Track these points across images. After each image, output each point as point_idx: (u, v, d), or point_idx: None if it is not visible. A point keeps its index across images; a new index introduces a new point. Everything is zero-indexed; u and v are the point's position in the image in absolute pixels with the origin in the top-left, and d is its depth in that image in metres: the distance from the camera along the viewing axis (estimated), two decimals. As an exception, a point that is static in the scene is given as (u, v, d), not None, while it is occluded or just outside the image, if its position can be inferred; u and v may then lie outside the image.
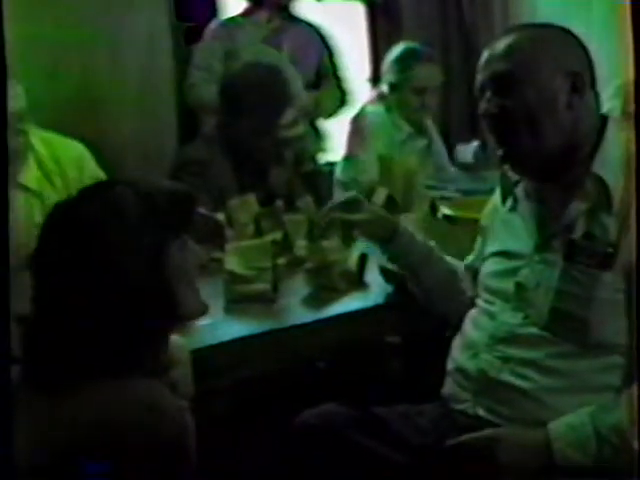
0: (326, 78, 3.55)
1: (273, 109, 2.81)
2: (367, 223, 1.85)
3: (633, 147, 1.53)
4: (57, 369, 1.27)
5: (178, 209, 1.34)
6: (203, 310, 1.42)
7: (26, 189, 2.36)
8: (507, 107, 1.54)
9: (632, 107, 1.20)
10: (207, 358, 1.70)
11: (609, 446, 1.44)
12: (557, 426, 1.48)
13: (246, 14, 3.44)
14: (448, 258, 1.90)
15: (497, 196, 1.75)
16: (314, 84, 3.52)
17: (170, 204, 1.32)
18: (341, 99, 3.55)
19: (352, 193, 1.93)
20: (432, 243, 1.91)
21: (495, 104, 1.55)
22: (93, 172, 2.54)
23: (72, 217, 1.30)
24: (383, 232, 1.85)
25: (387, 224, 1.86)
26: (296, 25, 3.49)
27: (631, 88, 1.09)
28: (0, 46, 0.97)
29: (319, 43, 3.53)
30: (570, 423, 1.48)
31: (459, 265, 1.90)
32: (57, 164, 2.50)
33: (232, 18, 3.47)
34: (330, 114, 3.59)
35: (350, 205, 1.86)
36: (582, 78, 1.54)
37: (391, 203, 2.71)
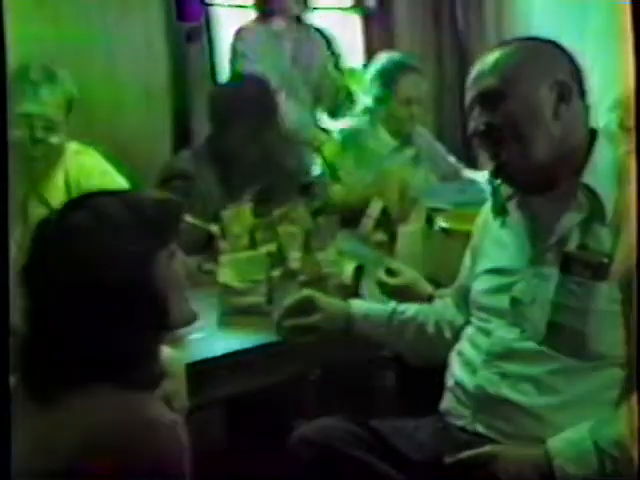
0: (330, 81, 3.60)
1: (260, 119, 2.81)
2: (321, 324, 1.85)
3: (630, 159, 1.53)
4: (49, 379, 1.26)
5: (165, 218, 1.34)
6: (193, 318, 1.42)
7: (48, 205, 2.28)
8: (494, 123, 1.54)
9: (631, 119, 1.19)
10: (202, 371, 1.69)
11: (610, 460, 1.42)
12: (556, 442, 1.46)
13: (257, 20, 3.52)
14: (414, 307, 1.88)
15: (488, 211, 1.74)
16: (318, 87, 3.59)
17: (157, 213, 1.32)
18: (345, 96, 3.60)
19: (305, 292, 1.92)
20: (391, 305, 1.90)
21: (483, 121, 1.56)
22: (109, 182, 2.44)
23: (60, 228, 1.29)
24: (338, 324, 1.86)
25: (340, 315, 1.87)
26: (302, 31, 3.56)
27: (631, 98, 1.08)
28: (0, 46, 0.96)
29: (324, 48, 3.60)
30: (569, 439, 1.46)
31: (430, 310, 1.88)
32: (84, 176, 2.42)
33: (246, 23, 3.54)
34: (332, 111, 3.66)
35: (303, 306, 1.87)
36: (568, 87, 1.54)
37: (385, 215, 2.70)
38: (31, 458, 1.19)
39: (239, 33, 3.45)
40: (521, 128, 1.52)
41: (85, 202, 1.33)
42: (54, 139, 2.29)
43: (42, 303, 1.27)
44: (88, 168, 2.45)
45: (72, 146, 2.44)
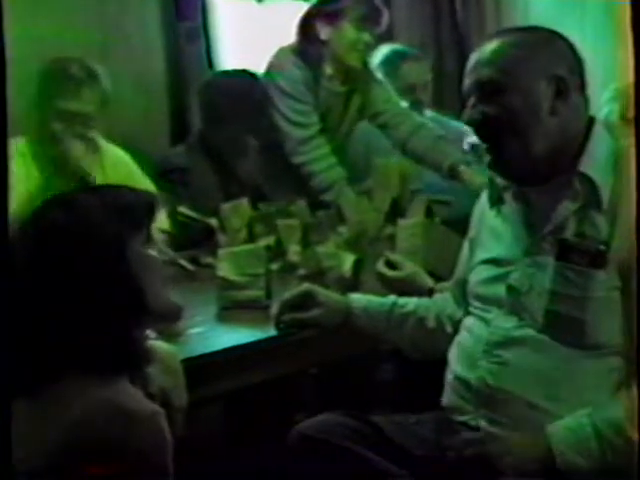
0: None
1: (253, 114, 2.79)
2: (320, 318, 1.84)
3: (631, 150, 1.51)
4: (30, 374, 1.25)
5: (137, 204, 1.36)
6: (173, 307, 1.43)
7: None
8: (490, 114, 1.52)
9: (632, 111, 1.18)
10: (200, 366, 1.68)
11: (610, 446, 1.42)
12: (556, 430, 1.46)
13: None
14: (415, 301, 1.87)
15: (484, 203, 1.72)
16: None
17: (130, 200, 1.35)
18: None
19: (304, 286, 1.90)
20: (391, 298, 1.87)
21: (478, 111, 1.54)
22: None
23: (36, 225, 1.32)
24: (337, 318, 1.85)
25: (340, 309, 1.86)
26: None
27: (631, 91, 1.06)
28: (0, 46, 0.95)
29: None
30: (569, 426, 1.46)
31: (431, 304, 1.86)
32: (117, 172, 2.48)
33: None
34: None
35: (301, 299, 1.86)
36: (566, 82, 1.52)
37: (395, 207, 2.66)
38: (17, 457, 1.18)
39: None
40: (517, 122, 1.50)
41: (61, 198, 1.37)
42: (91, 134, 2.39)
43: (20, 299, 1.26)
44: (119, 165, 2.54)
45: (102, 142, 2.50)
